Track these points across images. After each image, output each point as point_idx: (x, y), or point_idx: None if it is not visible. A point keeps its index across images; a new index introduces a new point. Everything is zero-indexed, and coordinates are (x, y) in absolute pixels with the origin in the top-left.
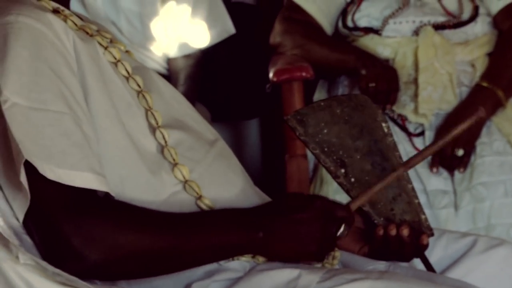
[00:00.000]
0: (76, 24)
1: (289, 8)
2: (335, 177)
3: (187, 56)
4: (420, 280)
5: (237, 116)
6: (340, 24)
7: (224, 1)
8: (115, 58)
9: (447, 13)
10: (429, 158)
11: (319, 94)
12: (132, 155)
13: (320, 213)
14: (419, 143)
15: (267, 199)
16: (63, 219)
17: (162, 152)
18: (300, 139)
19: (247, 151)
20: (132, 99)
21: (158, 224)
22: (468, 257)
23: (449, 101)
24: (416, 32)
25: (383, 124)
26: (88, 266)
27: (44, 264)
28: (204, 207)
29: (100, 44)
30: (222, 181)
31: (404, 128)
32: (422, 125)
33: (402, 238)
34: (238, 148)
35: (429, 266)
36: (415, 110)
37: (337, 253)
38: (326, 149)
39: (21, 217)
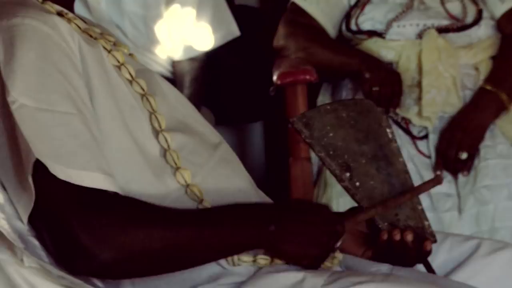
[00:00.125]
0: (80, 27)
1: (292, 11)
2: (340, 180)
3: (192, 59)
4: (424, 283)
5: (241, 119)
6: (343, 27)
7: (228, 4)
8: (119, 62)
9: (451, 16)
10: (433, 160)
11: (323, 97)
12: (136, 158)
13: (327, 220)
14: (423, 146)
15: (270, 202)
16: (72, 219)
17: (164, 156)
18: (306, 142)
19: (251, 154)
20: (136, 102)
21: (168, 220)
22: (472, 260)
23: (453, 104)
24: (420, 35)
25: (388, 130)
26: (99, 264)
27: (49, 267)
28: None
29: (104, 48)
30: (226, 185)
31: (408, 131)
32: (426, 128)
33: (406, 243)
34: (241, 151)
35: (431, 272)
36: (419, 113)
37: (339, 254)
38: (331, 153)
39: (25, 218)
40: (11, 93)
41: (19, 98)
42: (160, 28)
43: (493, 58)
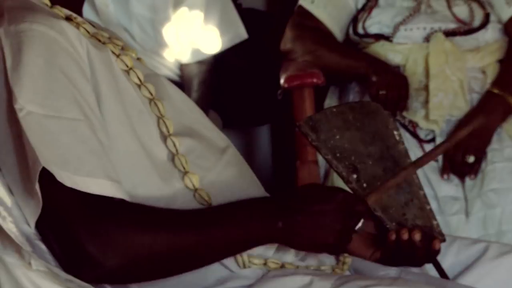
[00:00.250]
0: (88, 32)
1: (300, 15)
2: (347, 182)
3: (200, 62)
4: (431, 286)
5: (248, 122)
6: (350, 31)
7: (235, 7)
8: (127, 66)
9: (458, 20)
10: (440, 164)
11: (330, 100)
12: (144, 162)
13: (341, 205)
14: (430, 149)
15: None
16: (79, 226)
17: (172, 160)
18: (313, 145)
19: (258, 157)
20: (144, 106)
21: (174, 222)
22: (480, 263)
23: (460, 107)
24: (427, 39)
25: (395, 132)
26: (106, 271)
27: (56, 270)
28: None
29: (112, 52)
30: (233, 189)
31: (415, 135)
32: (433, 131)
33: (414, 242)
34: (249, 154)
35: (441, 271)
36: (426, 117)
37: (348, 259)
38: (338, 155)
39: (32, 224)
40: (18, 101)
41: (26, 105)
42: (168, 31)
43: (500, 61)
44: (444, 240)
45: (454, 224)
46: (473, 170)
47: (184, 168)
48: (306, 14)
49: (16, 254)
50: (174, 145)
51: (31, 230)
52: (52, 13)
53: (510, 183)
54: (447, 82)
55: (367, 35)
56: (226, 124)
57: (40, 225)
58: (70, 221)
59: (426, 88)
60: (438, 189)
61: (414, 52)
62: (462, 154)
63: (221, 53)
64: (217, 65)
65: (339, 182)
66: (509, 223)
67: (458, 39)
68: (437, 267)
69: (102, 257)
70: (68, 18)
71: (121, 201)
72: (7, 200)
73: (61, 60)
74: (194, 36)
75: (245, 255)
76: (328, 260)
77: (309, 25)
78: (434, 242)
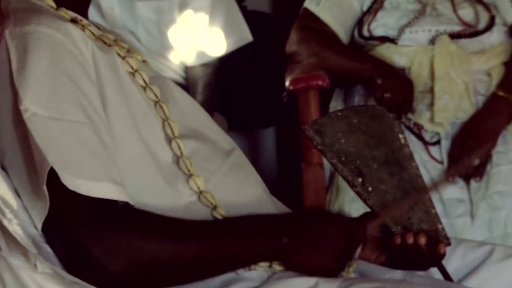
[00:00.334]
0: (94, 34)
1: (305, 17)
2: (352, 186)
3: (205, 65)
4: None
5: (253, 125)
6: (356, 33)
7: (240, 10)
8: (133, 68)
9: (463, 23)
10: (445, 166)
11: (335, 103)
12: (149, 165)
13: (344, 230)
14: (435, 152)
15: (283, 208)
16: (83, 229)
17: (177, 162)
18: (318, 149)
19: (263, 160)
20: (149, 109)
21: (179, 232)
22: (485, 266)
23: (465, 110)
24: (432, 41)
25: (400, 135)
26: (109, 276)
27: (62, 272)
28: (219, 217)
29: (118, 54)
30: (238, 191)
31: (420, 137)
32: (438, 134)
33: (419, 246)
34: (254, 156)
35: (446, 275)
36: (431, 119)
37: (353, 262)
38: (343, 159)
39: (39, 225)
40: (23, 102)
41: (31, 106)
42: (173, 34)
43: (506, 64)
44: (449, 244)
45: (459, 227)
46: (478, 172)
47: (188, 170)
48: (311, 17)
49: (22, 257)
50: (179, 148)
51: (37, 232)
52: (57, 15)
53: None
54: (452, 85)
55: (372, 37)
56: (231, 126)
57: (45, 227)
58: (74, 224)
59: (431, 90)
60: (443, 191)
61: (419, 55)
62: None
63: (226, 56)
64: (222, 67)
65: (344, 185)
66: None
67: (463, 41)
68: (442, 271)
69: (106, 261)
70: (73, 21)
71: (126, 205)
72: (13, 202)
73: (66, 62)
74: (199, 39)
75: None
76: None
77: (314, 28)
78: (439, 246)
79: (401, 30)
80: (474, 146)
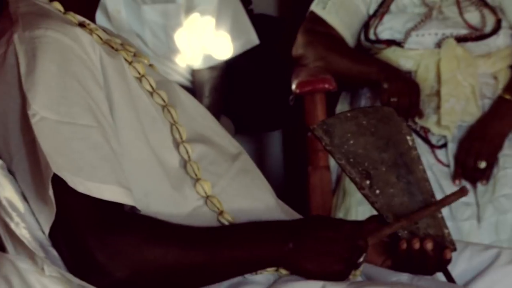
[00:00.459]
0: (101, 38)
1: (311, 20)
2: (360, 188)
3: (211, 68)
4: None
5: (260, 128)
6: (362, 37)
7: (247, 13)
8: (139, 73)
9: (469, 26)
10: (452, 170)
11: (342, 106)
12: (156, 170)
13: (348, 235)
14: (442, 155)
15: (290, 211)
16: (89, 234)
17: (185, 167)
18: (326, 149)
19: (270, 163)
20: (157, 113)
21: (185, 239)
22: (492, 269)
23: (472, 113)
24: (438, 45)
25: (408, 137)
26: (114, 281)
27: (69, 276)
28: (225, 222)
29: (125, 59)
30: (245, 195)
31: (426, 140)
32: (444, 137)
33: (425, 251)
34: (260, 159)
35: (451, 281)
36: (438, 122)
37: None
38: (351, 160)
39: (46, 230)
40: (32, 106)
41: (40, 111)
42: (180, 37)
43: None
44: (455, 249)
45: (466, 230)
46: (485, 175)
47: (196, 175)
48: (318, 20)
49: (29, 260)
50: (187, 152)
51: (44, 236)
52: (66, 20)
53: None
54: (459, 88)
55: (378, 41)
56: (238, 130)
57: (51, 231)
58: (80, 228)
59: (437, 94)
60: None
61: (425, 58)
62: (474, 160)
63: (232, 59)
64: (228, 71)
65: (351, 188)
66: None
67: (470, 45)
68: (447, 276)
69: (111, 267)
70: (81, 25)
71: (133, 211)
72: (20, 206)
73: (74, 67)
74: (206, 42)
75: None
76: None
77: (320, 31)
78: (445, 252)
79: (407, 34)
80: (481, 149)
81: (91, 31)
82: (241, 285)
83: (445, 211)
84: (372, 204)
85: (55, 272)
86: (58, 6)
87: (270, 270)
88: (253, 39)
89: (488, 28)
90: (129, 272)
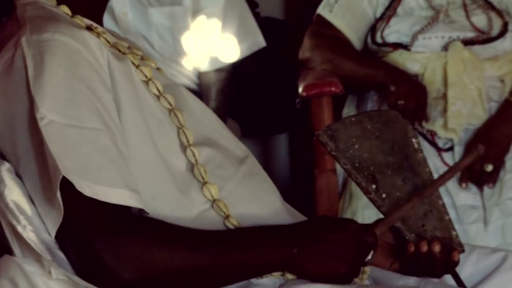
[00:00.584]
0: (108, 42)
1: (318, 23)
2: (366, 192)
3: (218, 70)
4: None
5: (266, 131)
6: (369, 40)
7: (254, 16)
8: (146, 77)
9: (476, 29)
10: (459, 173)
11: (348, 109)
12: (163, 173)
13: (354, 236)
14: (449, 158)
15: (297, 215)
16: (96, 236)
17: (192, 170)
18: (331, 155)
19: (276, 166)
20: (164, 117)
21: (192, 241)
22: (499, 272)
23: (479, 116)
24: (445, 48)
25: (414, 140)
26: (121, 283)
27: (76, 279)
28: (231, 227)
29: (132, 63)
30: (252, 199)
31: (433, 143)
32: (451, 140)
33: (433, 254)
34: (267, 162)
35: (460, 282)
36: (445, 125)
37: (367, 268)
38: (357, 165)
39: (53, 233)
40: (39, 109)
41: (48, 114)
42: (186, 40)
43: None
44: (463, 251)
45: (472, 233)
46: (492, 178)
47: (203, 178)
48: (325, 23)
49: (36, 263)
50: (194, 155)
51: (51, 238)
52: (73, 23)
53: None
54: (466, 91)
55: (385, 44)
56: (245, 133)
57: (58, 234)
58: (88, 230)
59: (444, 97)
60: (457, 198)
61: (432, 61)
62: (481, 163)
63: (239, 62)
64: (235, 73)
65: (357, 192)
66: None
67: (476, 48)
68: (456, 278)
69: (118, 269)
70: (89, 28)
71: (140, 213)
72: (27, 209)
73: (83, 70)
74: (213, 44)
75: None
76: None
77: (327, 34)
78: (453, 254)
79: (414, 37)
80: (488, 153)
81: (98, 35)
82: None
83: (451, 215)
84: (379, 208)
85: (62, 275)
86: (65, 9)
87: (276, 274)
88: (260, 41)
89: (495, 31)
90: (136, 274)
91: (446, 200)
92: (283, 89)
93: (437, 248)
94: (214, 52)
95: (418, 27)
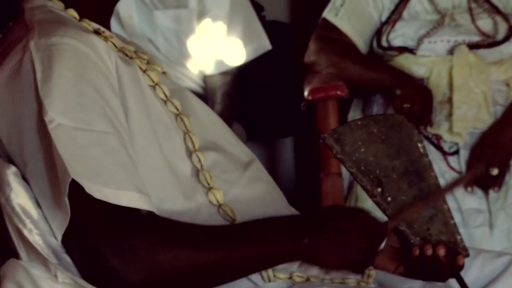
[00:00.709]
0: (116, 46)
1: (323, 27)
2: (371, 196)
3: (223, 73)
4: None
5: (272, 135)
6: (374, 44)
7: (259, 20)
8: (153, 82)
9: (482, 33)
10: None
11: (354, 113)
12: (169, 178)
13: (365, 224)
14: (454, 162)
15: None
16: (102, 239)
17: (197, 175)
18: (337, 158)
19: (282, 169)
20: (171, 122)
21: (199, 238)
22: (504, 276)
23: (484, 120)
24: (450, 51)
25: (419, 144)
26: (128, 285)
27: (82, 282)
28: None
29: (139, 67)
30: (257, 203)
31: (439, 147)
32: (457, 144)
33: (438, 258)
34: (272, 166)
35: (464, 286)
36: (450, 129)
37: (372, 272)
38: (363, 168)
39: (59, 236)
40: (48, 113)
41: (57, 117)
42: (192, 43)
43: None
44: (468, 255)
45: (478, 237)
46: (497, 182)
47: (208, 183)
48: (330, 27)
49: (42, 267)
50: (199, 160)
51: (57, 242)
52: (81, 27)
53: None
54: (471, 95)
55: (391, 47)
56: (250, 137)
57: (64, 237)
58: (95, 234)
59: (449, 100)
60: (462, 201)
61: (438, 65)
62: (486, 167)
63: (245, 66)
64: (241, 77)
65: (363, 195)
66: None
67: (482, 51)
68: (460, 282)
69: (126, 271)
70: (96, 32)
71: (148, 215)
72: (34, 213)
73: (91, 74)
74: (218, 47)
75: (270, 269)
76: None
77: (333, 38)
78: (458, 258)
79: (419, 41)
80: (493, 156)
81: (106, 39)
82: None
83: (457, 218)
84: (384, 211)
85: (68, 279)
86: (73, 13)
87: (284, 277)
88: (265, 44)
89: (501, 35)
90: (143, 275)
91: (451, 204)
92: (288, 93)
93: (442, 252)
94: (220, 55)
95: (423, 31)
